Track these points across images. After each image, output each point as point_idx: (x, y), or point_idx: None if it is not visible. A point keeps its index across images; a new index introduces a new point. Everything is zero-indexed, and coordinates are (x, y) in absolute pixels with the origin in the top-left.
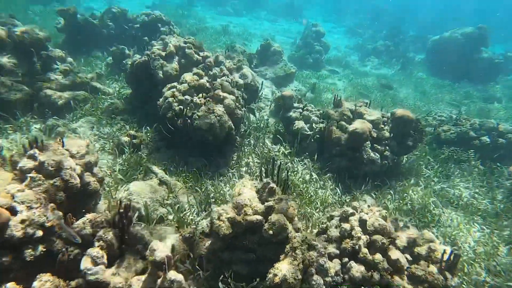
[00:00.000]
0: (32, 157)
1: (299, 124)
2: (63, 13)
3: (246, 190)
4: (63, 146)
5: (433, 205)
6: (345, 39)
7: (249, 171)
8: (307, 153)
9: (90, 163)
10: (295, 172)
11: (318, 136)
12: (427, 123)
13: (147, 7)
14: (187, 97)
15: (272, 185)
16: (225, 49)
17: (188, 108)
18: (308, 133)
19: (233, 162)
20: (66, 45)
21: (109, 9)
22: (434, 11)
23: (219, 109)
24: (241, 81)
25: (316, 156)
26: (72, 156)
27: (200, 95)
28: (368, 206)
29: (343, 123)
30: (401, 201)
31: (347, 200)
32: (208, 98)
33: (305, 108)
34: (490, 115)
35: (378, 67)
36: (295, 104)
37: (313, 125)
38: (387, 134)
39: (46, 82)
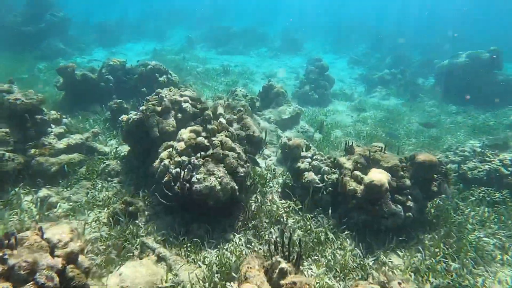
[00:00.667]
0: (1, 261)
1: (309, 176)
2: (62, 71)
3: (253, 273)
4: (42, 236)
5: (472, 263)
6: (348, 69)
7: (257, 234)
8: (320, 208)
9: (74, 253)
10: (308, 231)
11: (330, 188)
12: (449, 160)
13: (148, 53)
14: (184, 158)
15: (283, 265)
16: (227, 95)
17: (186, 170)
18: (320, 185)
19: (240, 224)
20: (65, 103)
21: (106, 62)
22: (435, 33)
23: (220, 169)
24: (242, 133)
25: (330, 211)
26: (54, 246)
27: (199, 154)
28: (399, 283)
29: (358, 173)
30: (432, 259)
31: (370, 264)
32: (207, 158)
33: (314, 157)
34: None
35: (386, 97)
36: (303, 153)
37: (325, 176)
38: (408, 182)
39: (39, 148)
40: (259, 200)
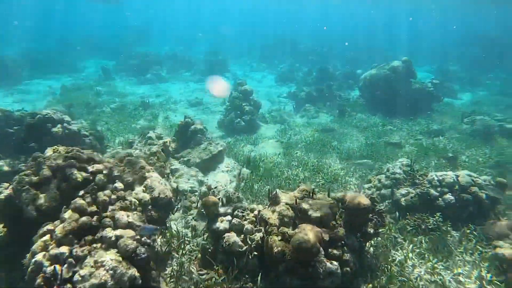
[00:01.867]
0: None
1: (230, 238)
2: None
3: None
4: None
5: None
6: (277, 87)
7: None
8: (247, 276)
9: None
10: None
11: (255, 253)
12: (382, 185)
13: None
14: (63, 249)
15: None
16: (139, 138)
17: (66, 266)
18: (243, 249)
19: None
20: None
21: None
22: (355, 46)
23: (112, 257)
24: (147, 197)
25: (259, 278)
26: None
27: (83, 240)
28: None
29: (285, 229)
30: None
31: None
32: (94, 245)
33: (235, 213)
34: (440, 152)
35: (315, 115)
36: (222, 210)
37: (248, 237)
38: (341, 232)
39: None
40: (175, 275)
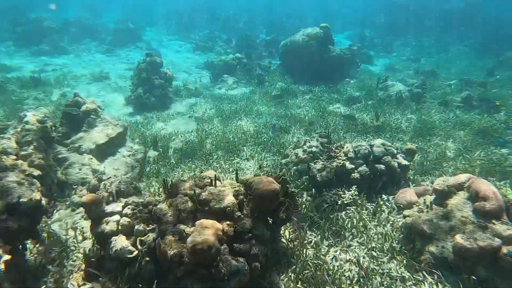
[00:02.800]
0: None
1: (118, 243)
2: None
3: None
4: None
5: None
6: (195, 57)
7: None
8: (141, 285)
9: None
10: None
11: (147, 258)
12: (298, 159)
13: None
14: None
15: None
16: (16, 120)
17: None
18: (133, 255)
19: None
20: None
21: None
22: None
23: None
24: None
25: (154, 286)
26: None
27: None
28: None
29: (182, 226)
30: None
31: None
32: None
33: (125, 211)
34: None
35: (234, 86)
36: (109, 208)
37: (138, 240)
38: (248, 223)
39: None
40: None
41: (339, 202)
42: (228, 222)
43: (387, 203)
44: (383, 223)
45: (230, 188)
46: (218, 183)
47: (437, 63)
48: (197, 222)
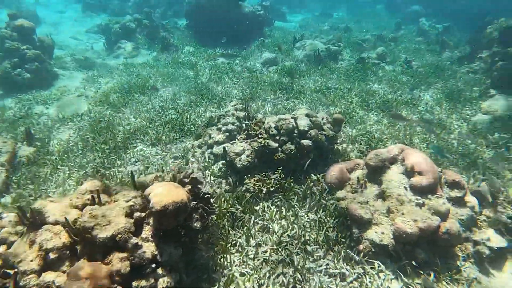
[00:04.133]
0: None
1: None
2: None
3: None
4: None
5: None
6: (85, 19)
7: None
8: None
9: None
10: None
11: None
12: (213, 140)
13: None
14: None
15: None
16: None
17: None
18: None
19: None
20: None
21: None
22: None
23: None
24: None
25: None
26: None
27: None
28: None
29: (49, 277)
30: None
31: None
32: None
33: None
34: (275, 86)
35: (134, 52)
36: None
37: None
38: (149, 251)
39: None
40: None
41: (264, 190)
42: (121, 255)
43: (317, 184)
44: (315, 208)
45: (122, 203)
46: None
47: (350, 18)
48: (71, 270)
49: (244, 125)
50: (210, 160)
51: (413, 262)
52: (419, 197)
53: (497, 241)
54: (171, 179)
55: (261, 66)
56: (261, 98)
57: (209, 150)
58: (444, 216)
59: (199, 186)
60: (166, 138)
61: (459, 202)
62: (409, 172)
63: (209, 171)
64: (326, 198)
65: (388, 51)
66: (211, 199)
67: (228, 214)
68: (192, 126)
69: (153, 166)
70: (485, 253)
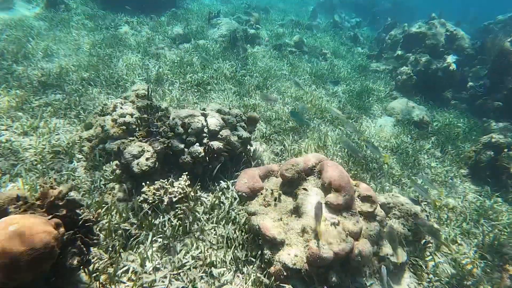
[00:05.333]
0: None
1: None
2: None
3: None
4: None
5: None
6: None
7: None
8: None
9: None
10: None
11: None
12: (106, 134)
13: None
14: None
15: None
16: None
17: None
18: None
19: None
20: None
21: None
22: None
23: None
24: None
25: None
26: None
27: None
28: None
29: None
30: None
31: None
32: None
33: None
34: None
35: (4, 4)
36: None
37: None
38: None
39: None
40: None
41: (166, 200)
42: None
43: (226, 192)
44: (223, 222)
45: None
46: None
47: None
48: None
49: (145, 117)
50: (101, 159)
51: (325, 287)
52: (334, 216)
53: (400, 255)
54: (38, 199)
55: (170, 42)
56: (168, 82)
57: (101, 146)
58: (357, 235)
59: (76, 209)
60: (45, 126)
61: (369, 217)
62: (326, 188)
63: (99, 171)
64: (236, 210)
65: (305, 40)
66: (93, 227)
67: (120, 232)
68: (81, 112)
69: (23, 165)
70: (390, 268)
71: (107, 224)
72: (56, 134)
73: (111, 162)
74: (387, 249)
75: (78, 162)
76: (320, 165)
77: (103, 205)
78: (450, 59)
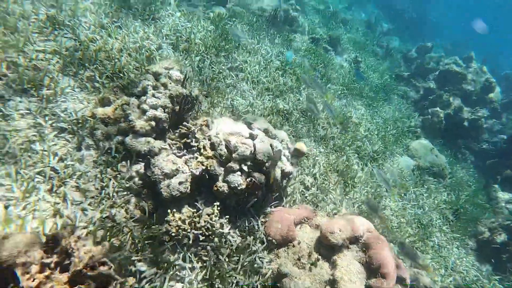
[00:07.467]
0: None
1: None
2: None
3: None
4: None
5: None
6: None
7: None
8: None
9: None
10: None
11: None
12: (115, 120)
13: None
14: None
15: None
16: None
17: None
18: None
19: None
20: None
21: None
22: None
23: None
24: None
25: None
26: None
27: None
28: None
29: None
30: None
31: None
32: None
33: None
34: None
35: None
36: None
37: None
38: None
39: None
40: None
41: (191, 236)
42: None
43: (256, 232)
44: (250, 270)
45: None
46: None
47: None
48: None
49: (179, 114)
50: (117, 155)
51: None
52: None
53: None
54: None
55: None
56: (199, 56)
57: (120, 138)
58: None
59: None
60: (49, 89)
61: None
62: (372, 269)
63: (113, 169)
64: (262, 258)
65: (339, 36)
66: None
67: (131, 268)
68: (96, 74)
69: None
70: None
71: (118, 259)
72: (62, 101)
73: (128, 162)
74: None
75: (87, 150)
76: (369, 237)
77: (115, 226)
78: (482, 113)
